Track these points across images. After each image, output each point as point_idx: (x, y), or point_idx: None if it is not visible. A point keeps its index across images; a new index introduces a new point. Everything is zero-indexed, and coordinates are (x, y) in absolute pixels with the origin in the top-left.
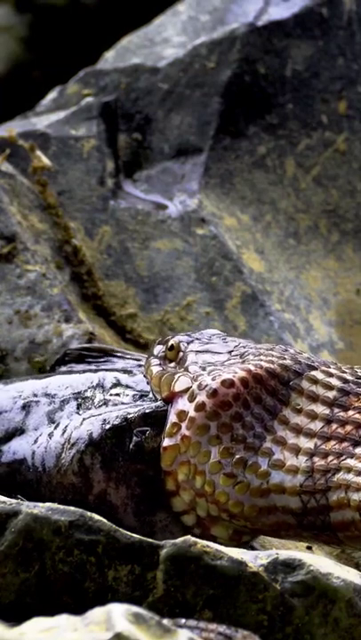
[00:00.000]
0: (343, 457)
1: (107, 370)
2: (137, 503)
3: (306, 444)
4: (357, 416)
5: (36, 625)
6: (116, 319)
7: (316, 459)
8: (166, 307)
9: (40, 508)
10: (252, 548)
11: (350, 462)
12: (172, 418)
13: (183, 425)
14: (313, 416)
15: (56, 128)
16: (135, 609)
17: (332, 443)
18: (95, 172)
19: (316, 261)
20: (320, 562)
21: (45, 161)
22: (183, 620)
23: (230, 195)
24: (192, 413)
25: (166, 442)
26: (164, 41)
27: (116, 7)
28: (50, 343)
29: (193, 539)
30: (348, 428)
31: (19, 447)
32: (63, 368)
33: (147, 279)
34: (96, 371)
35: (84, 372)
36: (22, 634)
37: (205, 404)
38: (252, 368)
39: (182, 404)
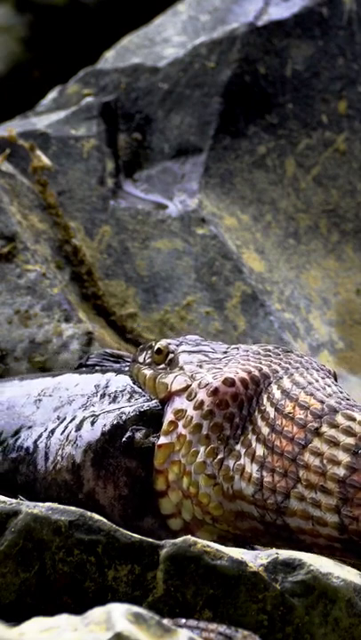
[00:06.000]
0: (290, 481)
1: (114, 370)
2: (124, 505)
3: (258, 450)
4: (289, 427)
5: (36, 625)
6: (116, 319)
7: (264, 472)
8: (166, 306)
9: (40, 507)
10: (253, 548)
11: (301, 490)
12: (170, 416)
13: (180, 423)
14: (266, 419)
15: (56, 128)
16: (135, 609)
17: (276, 458)
18: (95, 171)
19: (316, 261)
20: (320, 562)
21: (45, 161)
22: (183, 620)
23: (230, 194)
24: (190, 412)
25: (162, 440)
26: (164, 41)
27: (116, 7)
28: (50, 343)
29: (193, 539)
30: (283, 442)
31: (24, 442)
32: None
33: (147, 279)
34: (104, 372)
35: (94, 372)
36: (22, 634)
37: (204, 402)
38: (252, 369)
39: (180, 402)
